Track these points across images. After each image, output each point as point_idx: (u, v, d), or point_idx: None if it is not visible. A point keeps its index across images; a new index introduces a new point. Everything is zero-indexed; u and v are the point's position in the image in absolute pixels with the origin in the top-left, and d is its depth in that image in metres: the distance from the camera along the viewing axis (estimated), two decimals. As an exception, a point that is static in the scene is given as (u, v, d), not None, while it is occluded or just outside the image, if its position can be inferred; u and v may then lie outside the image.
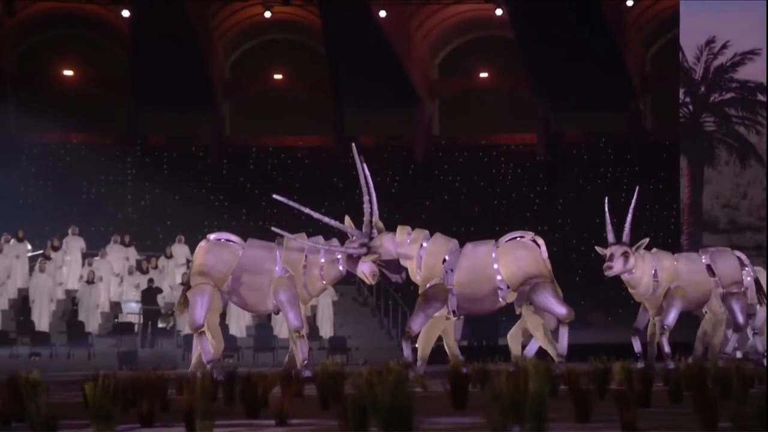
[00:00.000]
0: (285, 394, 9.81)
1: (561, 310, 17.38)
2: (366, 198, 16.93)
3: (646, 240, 19.73)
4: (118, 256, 30.83)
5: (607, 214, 19.60)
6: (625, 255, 19.41)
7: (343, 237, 17.51)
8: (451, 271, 17.30)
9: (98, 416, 7.80)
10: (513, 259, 17.44)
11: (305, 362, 16.53)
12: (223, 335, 29.07)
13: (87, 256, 30.82)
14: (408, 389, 7.29)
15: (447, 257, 17.39)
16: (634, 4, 43.42)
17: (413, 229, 17.74)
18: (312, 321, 30.77)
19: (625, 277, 19.82)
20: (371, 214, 17.01)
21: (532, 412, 7.42)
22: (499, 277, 17.37)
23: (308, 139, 45.91)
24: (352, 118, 45.85)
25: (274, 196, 17.18)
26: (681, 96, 39.24)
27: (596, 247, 19.81)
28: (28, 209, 37.55)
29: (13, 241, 30.45)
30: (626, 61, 43.36)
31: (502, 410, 7.03)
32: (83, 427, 8.82)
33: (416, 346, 17.56)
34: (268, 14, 44.54)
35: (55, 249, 30.34)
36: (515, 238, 17.92)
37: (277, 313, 17.86)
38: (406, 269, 17.35)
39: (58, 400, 11.87)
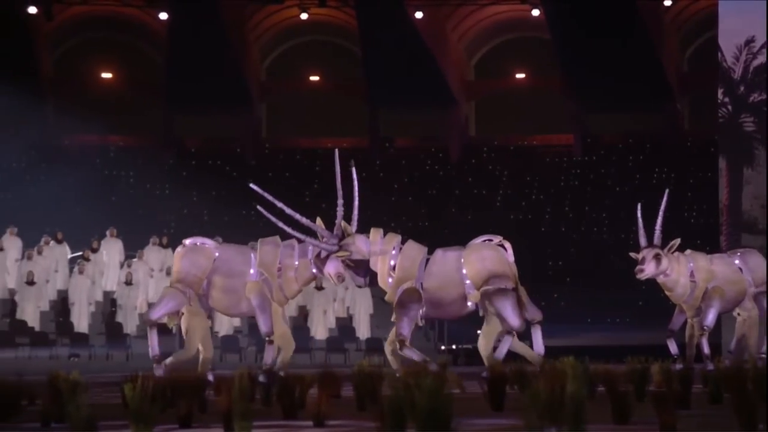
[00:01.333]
0: (322, 395, 9.81)
1: (515, 321, 17.27)
2: (340, 201, 16.95)
3: (678, 241, 19.62)
4: (156, 258, 30.98)
5: (640, 218, 19.51)
6: (657, 257, 19.33)
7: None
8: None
9: (137, 417, 7.85)
10: (478, 258, 17.48)
11: (266, 366, 16.59)
12: (260, 337, 29.29)
13: (125, 257, 30.99)
14: (446, 391, 7.29)
15: (421, 263, 17.46)
16: (671, 4, 43.18)
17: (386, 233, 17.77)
18: (349, 322, 30.83)
19: (660, 279, 19.72)
20: (342, 218, 17.03)
21: (570, 413, 7.40)
22: (467, 282, 17.38)
23: (343, 141, 45.95)
24: (387, 119, 45.86)
25: (251, 185, 17.20)
26: (719, 96, 38.95)
27: (630, 254, 19.73)
28: (67, 211, 37.75)
29: (52, 243, 30.67)
30: (663, 62, 43.13)
31: (539, 412, 7.02)
32: (122, 427, 8.86)
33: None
34: (304, 16, 44.64)
35: (94, 251, 30.54)
36: (484, 241, 17.92)
37: (252, 317, 18.02)
38: (371, 274, 17.36)
39: (97, 401, 11.94)
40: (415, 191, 42.80)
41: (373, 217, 38.86)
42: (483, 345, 17.96)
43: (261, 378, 14.40)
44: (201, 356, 17.22)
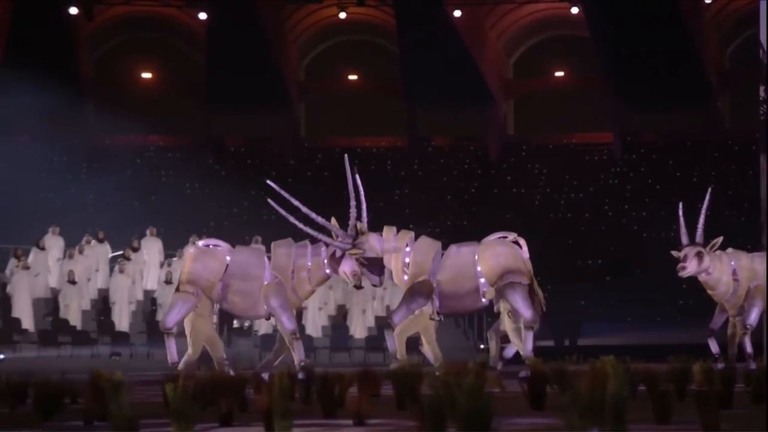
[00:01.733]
0: (362, 394, 9.82)
1: (527, 313, 17.28)
2: (353, 203, 16.99)
3: (720, 239, 19.49)
4: (196, 257, 31.05)
5: (681, 216, 19.39)
6: (699, 255, 19.23)
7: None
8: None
9: (178, 416, 7.87)
10: (493, 254, 17.48)
11: (302, 363, 16.63)
12: (301, 335, 29.37)
13: (165, 257, 31.13)
14: (486, 391, 7.27)
15: (434, 257, 17.47)
16: (712, 2, 42.89)
17: (398, 231, 17.80)
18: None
19: (702, 278, 19.61)
20: (356, 218, 17.07)
21: (612, 413, 7.36)
22: (482, 280, 17.37)
23: (382, 140, 45.98)
24: (425, 118, 45.84)
25: (269, 182, 17.26)
26: (761, 94, 38.64)
27: (672, 252, 19.63)
28: (108, 211, 38.00)
29: (93, 242, 30.88)
30: (704, 59, 42.86)
31: (581, 412, 6.99)
32: (163, 426, 8.90)
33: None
34: (342, 15, 44.70)
35: (135, 250, 30.71)
36: (499, 237, 17.88)
37: (268, 319, 18.05)
38: (385, 272, 17.39)
39: (138, 400, 12.01)
40: (454, 190, 42.75)
41: (411, 216, 38.95)
42: (492, 341, 17.98)
43: (300, 375, 14.47)
44: (213, 357, 17.33)
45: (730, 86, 44.69)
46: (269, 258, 17.32)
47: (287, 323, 17.05)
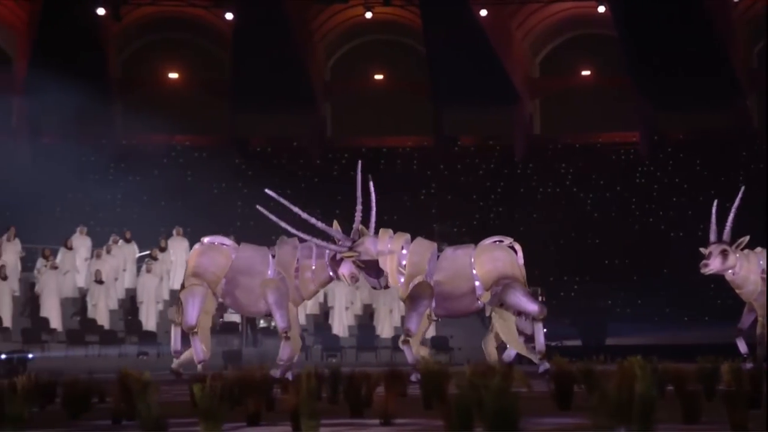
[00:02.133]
0: (389, 393, 9.82)
1: (533, 307, 17.31)
2: (358, 207, 16.99)
3: (746, 238, 19.39)
4: (222, 257, 31.09)
5: (714, 214, 19.27)
6: (724, 253, 19.12)
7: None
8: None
9: (206, 415, 7.90)
10: (489, 258, 17.46)
11: (281, 362, 16.66)
12: (327, 335, 29.43)
13: (192, 256, 31.13)
14: (513, 390, 7.26)
15: (430, 258, 17.45)
16: (739, 0, 42.67)
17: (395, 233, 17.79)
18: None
19: (729, 277, 19.51)
20: (360, 222, 17.06)
21: (640, 413, 7.33)
22: (477, 283, 17.35)
23: (408, 140, 45.96)
24: (451, 118, 45.80)
25: (267, 191, 17.29)
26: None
27: (700, 248, 19.55)
28: (135, 211, 38.15)
29: (121, 242, 30.97)
30: (731, 58, 42.65)
31: (608, 412, 6.97)
32: (191, 425, 8.93)
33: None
34: (368, 15, 44.72)
35: (162, 250, 30.78)
36: (495, 242, 17.84)
37: (268, 315, 18.09)
38: (385, 275, 17.37)
39: (165, 399, 12.05)
40: (480, 190, 42.69)
41: (438, 215, 38.91)
42: (488, 347, 17.91)
43: (274, 372, 14.57)
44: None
45: (758, 85, 44.41)
46: (273, 256, 17.39)
47: (280, 321, 17.13)
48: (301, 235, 17.06)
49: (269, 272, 17.19)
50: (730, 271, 19.45)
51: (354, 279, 17.13)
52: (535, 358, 17.52)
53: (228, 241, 17.81)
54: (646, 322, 34.26)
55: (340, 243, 16.97)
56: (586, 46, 46.33)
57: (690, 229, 36.30)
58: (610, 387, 7.63)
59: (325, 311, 30.64)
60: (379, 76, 47.40)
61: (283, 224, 17.00)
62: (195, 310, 17.15)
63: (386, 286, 17.71)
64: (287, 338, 17.04)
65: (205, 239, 18.04)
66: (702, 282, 24.12)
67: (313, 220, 16.96)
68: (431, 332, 29.90)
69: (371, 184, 17.25)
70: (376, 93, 47.37)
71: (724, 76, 41.85)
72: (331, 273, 17.16)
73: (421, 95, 45.80)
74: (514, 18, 45.64)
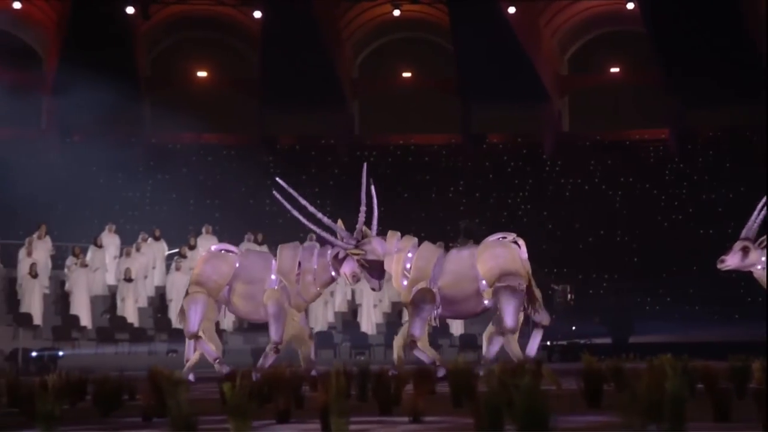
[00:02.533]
0: (418, 391, 9.82)
1: (508, 321, 17.10)
2: (362, 208, 16.98)
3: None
4: (251, 255, 31.17)
5: (756, 211, 18.97)
6: (744, 250, 18.90)
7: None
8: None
9: (236, 413, 7.92)
10: (491, 255, 17.34)
11: (259, 368, 16.66)
12: (355, 333, 29.47)
13: (221, 254, 31.21)
14: (543, 390, 7.24)
15: (436, 263, 17.42)
16: (771, -6, 42.42)
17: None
18: (443, 319, 30.74)
19: (757, 274, 19.34)
20: (363, 222, 17.07)
21: (670, 411, 7.30)
22: (483, 282, 17.29)
23: (436, 138, 45.95)
24: (479, 115, 45.77)
25: (277, 179, 17.29)
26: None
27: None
28: (164, 209, 38.32)
29: (150, 240, 31.10)
30: (762, 53, 42.37)
31: (639, 410, 6.94)
32: (220, 422, 8.96)
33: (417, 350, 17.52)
34: (396, 13, 44.74)
35: (191, 248, 30.88)
36: (499, 238, 17.75)
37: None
38: (385, 277, 17.37)
39: (195, 396, 12.09)
40: (508, 187, 42.63)
41: (465, 213, 38.86)
42: (488, 342, 17.87)
43: (253, 377, 14.61)
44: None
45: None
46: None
47: (275, 333, 17.20)
48: (318, 232, 17.11)
49: (271, 279, 17.28)
50: (758, 266, 19.28)
51: (356, 278, 17.17)
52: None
53: (235, 249, 17.93)
54: (676, 319, 34.13)
55: (344, 240, 17.01)
56: (614, 42, 46.18)
57: (720, 225, 36.14)
58: (640, 385, 7.60)
59: (353, 309, 30.67)
60: (407, 74, 47.41)
61: (303, 220, 17.04)
62: (197, 317, 17.32)
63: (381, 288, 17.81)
64: (277, 351, 17.14)
65: (212, 247, 18.25)
66: (732, 279, 24.02)
67: (319, 215, 17.02)
68: (459, 330, 29.92)
69: (372, 187, 17.21)
70: (403, 91, 47.37)
71: (755, 72, 41.57)
72: (333, 273, 17.20)
73: (449, 93, 45.78)
74: (543, 15, 45.54)
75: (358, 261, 16.85)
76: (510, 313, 17.11)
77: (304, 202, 17.01)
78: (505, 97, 43.41)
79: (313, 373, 15.20)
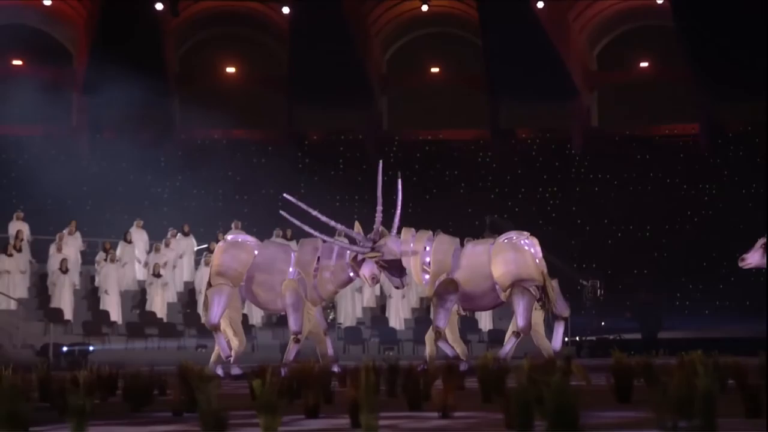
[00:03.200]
0: (447, 386, 9.82)
1: (521, 321, 17.09)
2: (379, 208, 16.98)
3: None
4: (280, 250, 31.22)
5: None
6: (766, 247, 18.80)
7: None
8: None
9: (265, 408, 7.94)
10: (503, 260, 17.26)
11: (285, 362, 16.66)
12: (384, 328, 29.47)
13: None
14: (573, 387, 7.23)
15: (454, 254, 17.39)
16: (802, -13, 42.09)
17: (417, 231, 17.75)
18: (471, 314, 30.72)
19: None
20: (381, 222, 17.06)
21: (701, 408, 7.27)
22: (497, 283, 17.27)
23: (464, 133, 45.89)
24: (508, 111, 45.67)
25: (285, 195, 17.38)
26: None
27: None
28: (193, 205, 38.44)
29: (179, 235, 31.22)
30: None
31: (670, 406, 6.92)
32: (249, 417, 8.99)
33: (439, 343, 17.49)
34: (425, 8, 44.68)
35: (221, 243, 30.96)
36: (510, 239, 17.64)
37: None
38: (406, 274, 17.35)
39: (224, 391, 12.13)
40: (537, 183, 42.53)
41: (494, 208, 38.78)
42: (540, 341, 17.83)
43: (283, 371, 14.62)
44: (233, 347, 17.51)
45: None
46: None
47: (293, 323, 17.21)
48: (328, 239, 17.15)
49: (290, 271, 17.31)
50: None
51: (375, 280, 17.20)
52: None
53: (251, 239, 17.99)
54: (705, 315, 33.98)
55: (361, 244, 17.01)
56: (643, 38, 45.98)
57: (750, 221, 35.92)
58: (671, 382, 7.57)
59: (382, 304, 30.69)
60: (435, 69, 47.36)
61: (309, 229, 17.05)
62: (220, 309, 17.35)
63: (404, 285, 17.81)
64: (297, 341, 17.15)
65: (229, 236, 18.26)
66: (762, 275, 23.86)
67: (332, 223, 17.06)
68: (488, 325, 29.88)
69: (399, 185, 17.19)
70: (432, 86, 47.33)
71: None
72: (351, 274, 17.21)
73: (477, 88, 45.70)
74: (571, 10, 45.39)
75: (376, 262, 16.88)
76: (522, 312, 17.15)
77: (315, 213, 17.03)
78: (534, 92, 43.30)
79: (336, 368, 15.22)
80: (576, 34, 46.09)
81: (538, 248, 17.59)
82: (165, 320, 29.44)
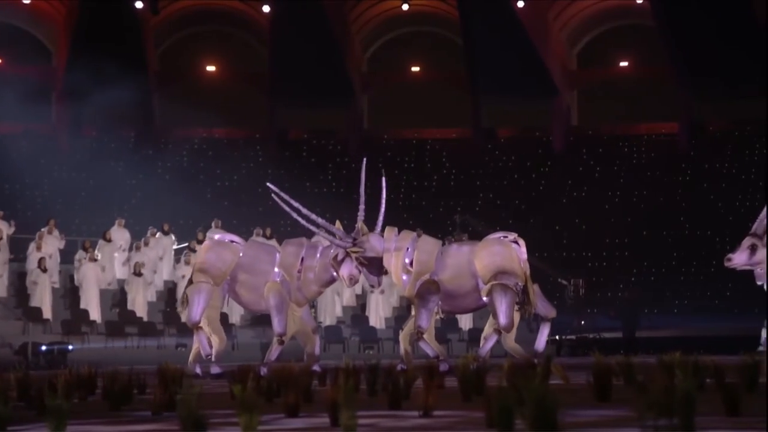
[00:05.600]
0: (428, 385, 9.82)
1: (502, 319, 17.13)
2: (361, 207, 17.03)
3: None
4: (260, 249, 31.18)
5: (767, 207, 18.80)
6: (752, 248, 18.74)
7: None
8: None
9: (245, 407, 7.93)
10: (488, 253, 17.36)
11: (266, 362, 16.70)
12: (365, 327, 29.47)
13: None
14: (553, 389, 7.24)
15: (437, 255, 17.44)
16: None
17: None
18: (451, 313, 30.74)
19: (758, 273, 19.08)
20: (363, 220, 17.11)
21: (680, 406, 7.30)
22: (479, 277, 17.29)
23: (445, 132, 45.91)
24: (489, 109, 45.70)
25: (268, 185, 17.39)
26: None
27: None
28: (173, 203, 38.33)
29: (159, 234, 31.14)
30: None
31: (649, 404, 6.94)
32: (229, 416, 8.97)
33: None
34: (405, 7, 44.69)
35: (200, 242, 30.90)
36: (499, 237, 17.72)
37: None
38: (384, 274, 17.38)
39: (204, 390, 12.10)
40: (518, 181, 42.58)
41: (478, 206, 38.81)
42: (508, 342, 17.85)
43: (262, 371, 14.62)
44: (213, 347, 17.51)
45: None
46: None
47: (277, 325, 17.23)
48: (314, 229, 17.14)
49: (274, 272, 17.30)
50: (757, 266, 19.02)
51: (353, 280, 17.21)
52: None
53: (238, 239, 17.97)
54: (689, 313, 34.08)
55: (342, 240, 17.01)
56: (623, 37, 46.09)
57: (729, 219, 36.06)
58: (650, 381, 7.59)
59: (362, 303, 30.68)
60: (416, 68, 47.37)
61: (300, 219, 17.05)
62: (200, 306, 17.33)
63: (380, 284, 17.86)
64: (281, 342, 17.16)
65: (216, 236, 18.26)
66: (749, 273, 23.90)
67: (313, 217, 17.07)
68: (468, 324, 29.90)
69: (383, 184, 17.20)
70: (413, 85, 47.33)
71: (765, 65, 41.43)
72: (333, 273, 17.20)
73: (458, 87, 45.73)
74: (552, 9, 45.46)
75: (357, 259, 16.87)
76: (504, 311, 17.14)
77: (297, 204, 17.08)
78: (515, 91, 43.35)
79: (316, 368, 15.22)
80: (556, 33, 46.17)
81: (524, 250, 17.64)
82: (145, 319, 29.35)
